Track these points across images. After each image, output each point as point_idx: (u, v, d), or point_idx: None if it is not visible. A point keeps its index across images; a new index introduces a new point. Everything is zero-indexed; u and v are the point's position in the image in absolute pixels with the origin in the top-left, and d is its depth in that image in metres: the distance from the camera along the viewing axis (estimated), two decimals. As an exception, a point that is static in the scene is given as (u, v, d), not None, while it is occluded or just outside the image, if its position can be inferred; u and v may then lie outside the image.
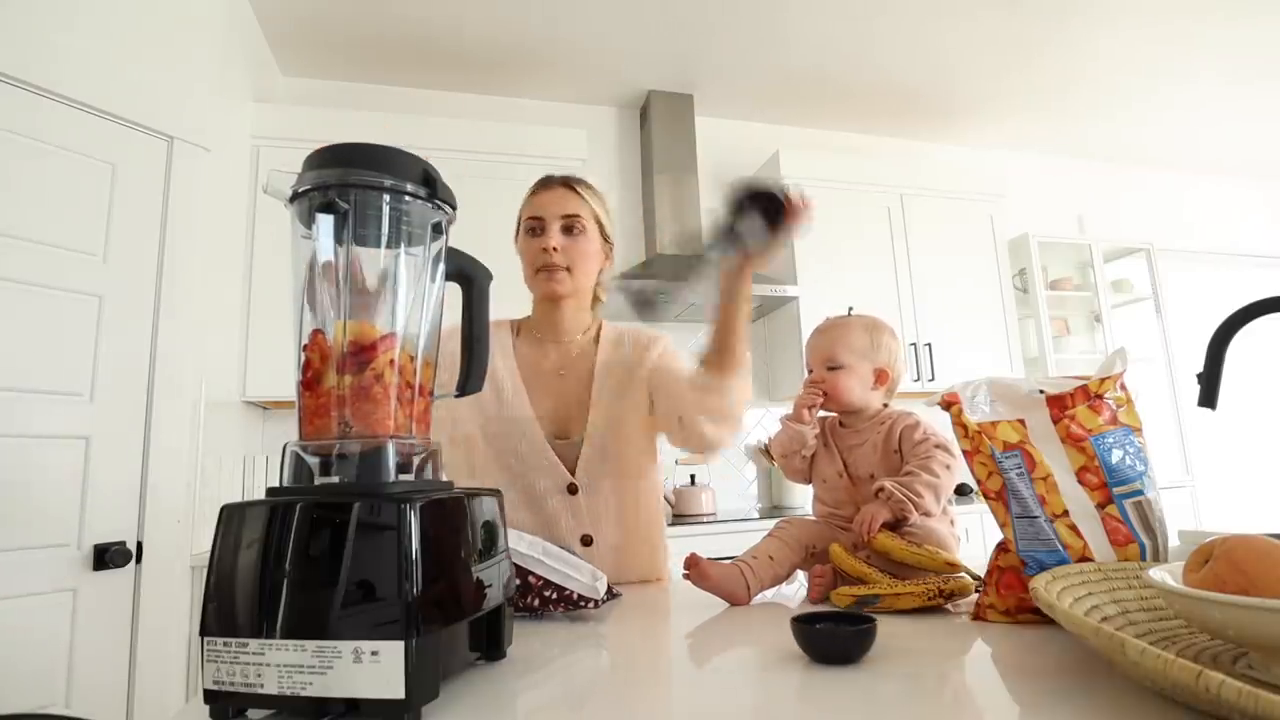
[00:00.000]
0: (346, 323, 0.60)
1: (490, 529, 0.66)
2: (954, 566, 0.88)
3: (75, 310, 1.71)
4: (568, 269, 1.19)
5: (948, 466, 0.98)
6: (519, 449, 1.15)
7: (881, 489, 0.96)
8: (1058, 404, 0.77)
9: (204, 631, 0.53)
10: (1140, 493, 0.73)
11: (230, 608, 0.53)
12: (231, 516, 0.56)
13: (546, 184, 1.22)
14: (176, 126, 1.94)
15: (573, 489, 1.16)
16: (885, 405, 1.11)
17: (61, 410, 1.67)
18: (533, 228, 1.20)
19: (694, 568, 0.97)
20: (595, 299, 1.29)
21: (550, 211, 1.18)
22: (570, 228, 1.18)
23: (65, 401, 1.68)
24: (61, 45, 1.72)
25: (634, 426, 1.20)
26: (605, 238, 1.24)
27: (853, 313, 1.14)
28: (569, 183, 1.22)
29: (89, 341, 1.73)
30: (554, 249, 1.17)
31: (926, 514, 0.97)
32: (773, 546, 1.02)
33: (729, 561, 0.98)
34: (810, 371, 1.11)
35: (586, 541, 1.16)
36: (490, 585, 0.63)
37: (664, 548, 1.28)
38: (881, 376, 1.08)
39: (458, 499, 0.62)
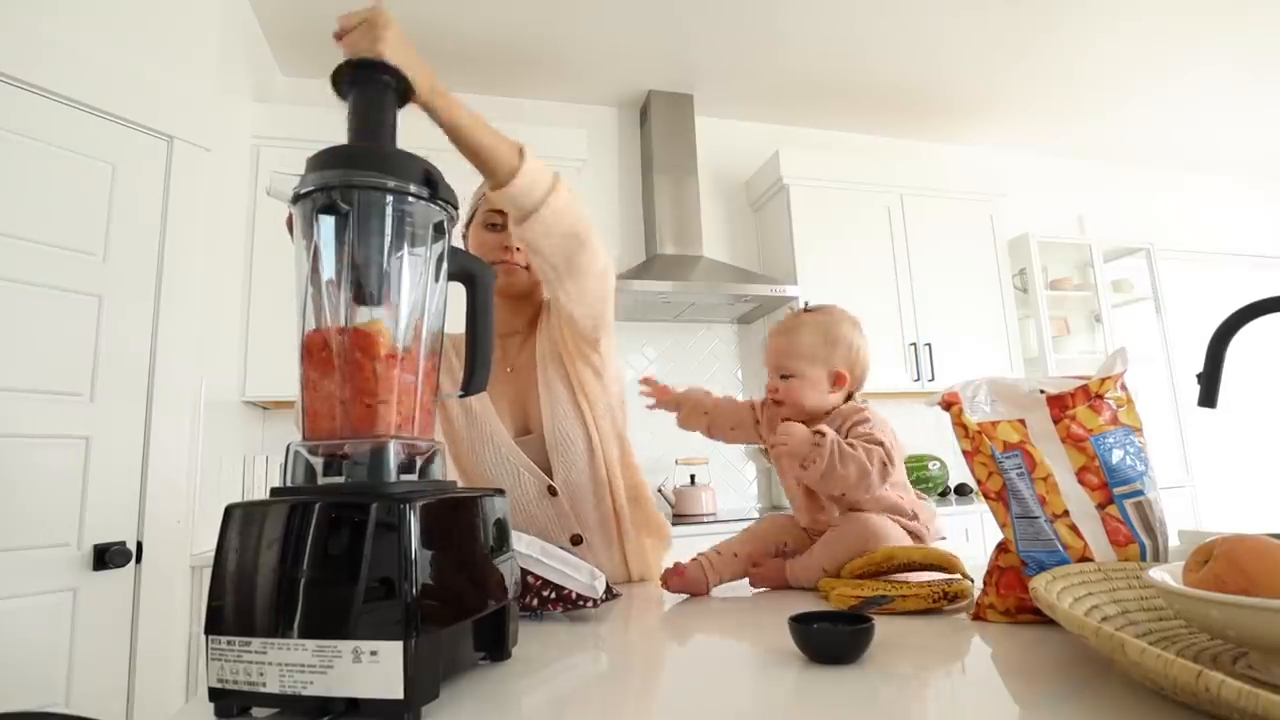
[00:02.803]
0: (349, 323, 0.60)
1: (494, 529, 0.66)
2: (949, 563, 0.88)
3: (75, 310, 1.71)
4: (526, 266, 1.18)
5: (884, 464, 0.93)
6: (490, 457, 1.14)
7: (821, 434, 0.93)
8: (1058, 404, 0.77)
9: (208, 630, 0.53)
10: (1140, 493, 0.73)
11: (233, 607, 0.54)
12: (235, 516, 0.56)
13: None
14: (176, 126, 1.94)
15: (552, 490, 1.15)
16: (850, 399, 1.06)
17: (61, 410, 1.67)
18: (494, 223, 1.17)
19: (675, 576, 1.00)
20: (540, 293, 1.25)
21: None
22: None
23: (65, 401, 1.68)
24: (61, 45, 1.72)
25: (580, 406, 1.16)
26: None
27: (809, 307, 1.10)
28: None
29: (89, 341, 1.73)
30: (516, 248, 1.16)
31: (824, 486, 0.94)
32: (738, 541, 1.05)
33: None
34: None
35: (576, 540, 1.15)
36: (493, 585, 0.63)
37: (664, 544, 1.27)
38: (839, 379, 1.03)
39: (460, 499, 0.62)
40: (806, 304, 1.13)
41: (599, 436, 1.16)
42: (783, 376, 1.04)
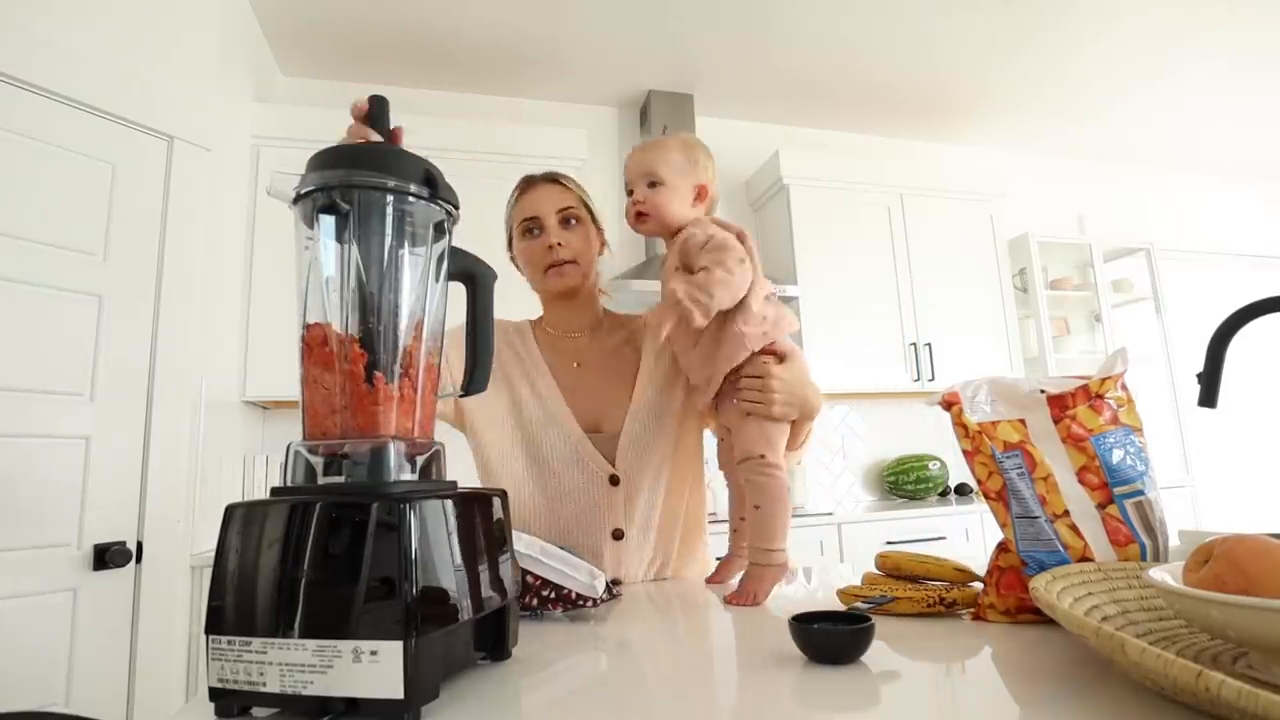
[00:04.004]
0: (350, 323, 0.60)
1: (495, 529, 0.66)
2: (964, 574, 0.88)
3: (75, 310, 1.71)
4: (573, 261, 1.17)
5: (742, 260, 0.98)
6: (555, 445, 1.13)
7: (673, 291, 0.95)
8: (1058, 404, 0.77)
9: (209, 630, 0.53)
10: (1141, 493, 0.73)
11: (234, 606, 0.54)
12: (236, 516, 0.56)
13: (532, 183, 1.19)
14: (176, 126, 1.94)
15: (614, 480, 1.13)
16: None
17: (61, 410, 1.67)
18: (530, 228, 1.18)
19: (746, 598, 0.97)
20: (599, 291, 1.28)
21: (544, 209, 1.16)
22: (567, 219, 1.17)
23: (65, 401, 1.68)
24: (61, 45, 1.72)
25: (675, 418, 1.18)
26: (596, 224, 1.23)
27: (667, 132, 1.13)
28: (553, 177, 1.20)
29: (89, 341, 1.73)
30: (558, 244, 1.16)
31: (710, 313, 0.95)
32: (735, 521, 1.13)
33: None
34: (631, 192, 1.09)
35: (617, 535, 1.13)
36: (494, 585, 0.63)
37: (703, 546, 1.25)
38: (701, 192, 1.08)
39: (460, 499, 0.62)
40: (665, 128, 1.17)
41: (676, 448, 1.18)
42: (650, 184, 1.06)
